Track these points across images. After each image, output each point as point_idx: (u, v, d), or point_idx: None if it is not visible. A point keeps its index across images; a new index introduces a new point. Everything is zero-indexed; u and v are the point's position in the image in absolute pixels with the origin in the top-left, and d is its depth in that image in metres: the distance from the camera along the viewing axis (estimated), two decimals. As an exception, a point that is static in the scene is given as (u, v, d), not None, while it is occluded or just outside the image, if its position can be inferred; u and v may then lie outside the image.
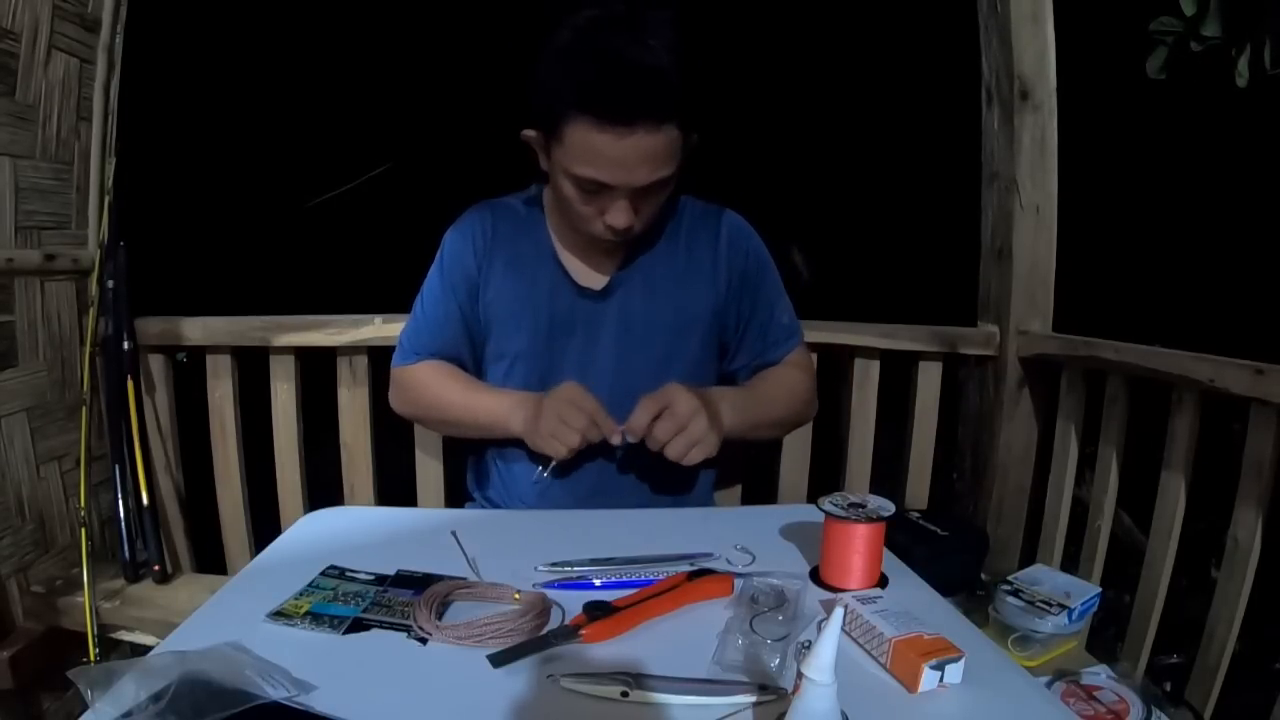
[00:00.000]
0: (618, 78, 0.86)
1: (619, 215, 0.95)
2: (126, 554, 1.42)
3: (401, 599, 0.75)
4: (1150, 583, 1.22)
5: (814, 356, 1.39)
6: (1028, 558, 1.49)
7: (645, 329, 1.09)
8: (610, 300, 1.09)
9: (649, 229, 1.09)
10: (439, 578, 0.78)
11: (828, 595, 0.77)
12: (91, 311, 1.42)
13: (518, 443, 1.07)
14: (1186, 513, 1.18)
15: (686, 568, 0.80)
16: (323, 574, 0.80)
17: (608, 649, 0.66)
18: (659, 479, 1.11)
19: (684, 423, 0.94)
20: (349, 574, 0.80)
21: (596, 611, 0.68)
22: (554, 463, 0.98)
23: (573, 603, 0.72)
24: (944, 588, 0.83)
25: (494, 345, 1.13)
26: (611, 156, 0.89)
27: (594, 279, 1.10)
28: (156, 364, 1.53)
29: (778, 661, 0.63)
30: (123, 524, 1.42)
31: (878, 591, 0.77)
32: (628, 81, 0.86)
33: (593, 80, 0.87)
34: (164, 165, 2.56)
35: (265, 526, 1.54)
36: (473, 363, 1.17)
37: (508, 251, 1.12)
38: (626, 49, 0.87)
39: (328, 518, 1.00)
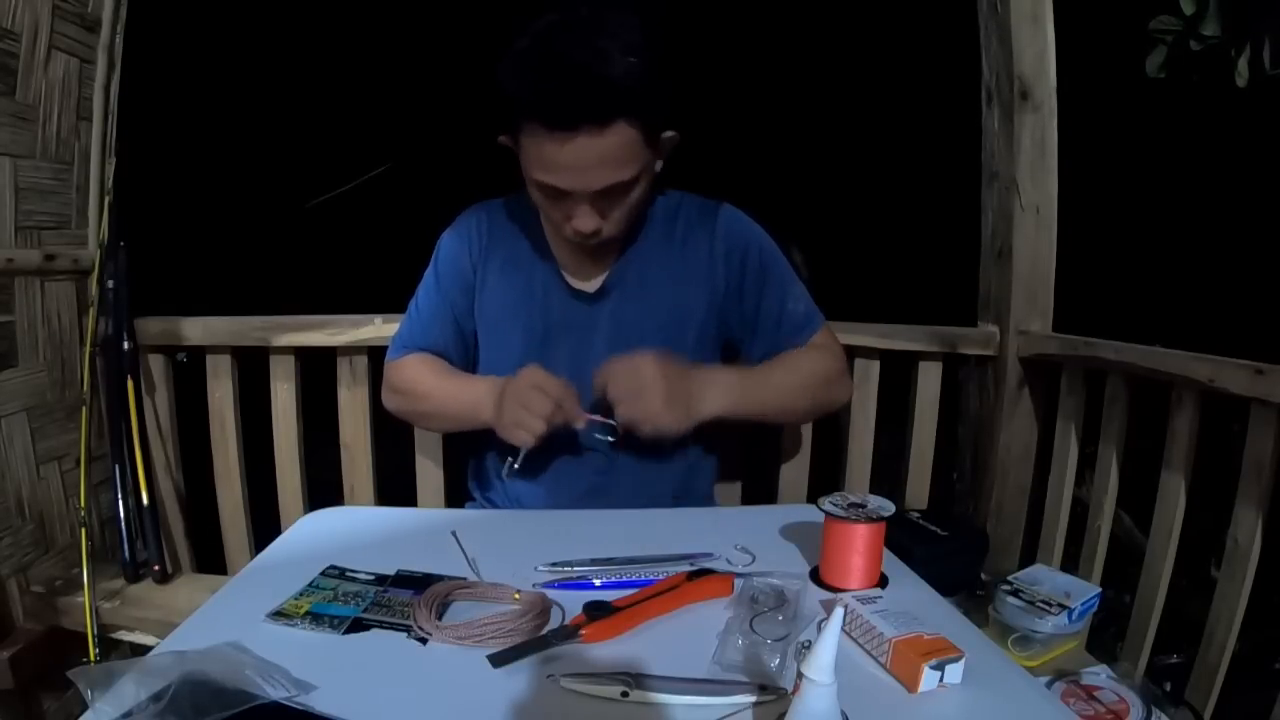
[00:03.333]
0: (555, 81, 0.86)
1: (583, 220, 0.95)
2: (126, 554, 1.42)
3: (401, 599, 0.75)
4: (1150, 583, 1.22)
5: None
6: (1028, 558, 1.48)
7: (639, 331, 1.08)
8: (604, 303, 1.09)
9: (641, 229, 1.09)
10: (439, 578, 0.78)
11: (828, 595, 0.77)
12: (91, 311, 1.42)
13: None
14: (1186, 513, 1.18)
15: (686, 568, 0.80)
16: (323, 574, 0.80)
17: (608, 649, 0.66)
18: (659, 478, 1.11)
19: (641, 387, 0.93)
20: (349, 574, 0.80)
21: (596, 611, 0.68)
22: (523, 453, 0.96)
23: (573, 603, 0.72)
24: (944, 588, 0.83)
25: (489, 348, 1.13)
26: (561, 161, 0.89)
27: (587, 281, 1.10)
28: (156, 364, 1.53)
29: (778, 661, 0.63)
30: (123, 524, 1.42)
31: (878, 591, 0.77)
32: (564, 85, 0.86)
33: (535, 85, 0.87)
34: (164, 165, 2.56)
35: (265, 526, 1.54)
36: (464, 364, 1.16)
37: (503, 253, 1.12)
38: (569, 52, 0.86)
39: (328, 518, 1.00)
